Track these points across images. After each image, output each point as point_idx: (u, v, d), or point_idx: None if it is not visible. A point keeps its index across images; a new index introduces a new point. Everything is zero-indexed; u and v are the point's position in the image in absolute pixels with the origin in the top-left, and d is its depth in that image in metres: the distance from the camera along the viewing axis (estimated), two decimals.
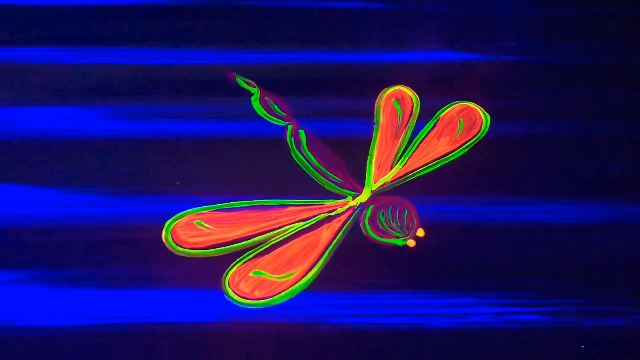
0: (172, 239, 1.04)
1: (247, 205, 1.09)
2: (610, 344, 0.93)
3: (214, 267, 1.01)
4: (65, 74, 1.35)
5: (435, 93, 1.31)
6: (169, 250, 1.03)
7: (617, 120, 1.26)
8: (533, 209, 1.09)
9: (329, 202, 1.10)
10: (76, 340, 0.92)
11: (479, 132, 1.23)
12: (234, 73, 1.35)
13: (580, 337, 0.93)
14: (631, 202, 1.10)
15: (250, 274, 1.00)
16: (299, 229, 1.06)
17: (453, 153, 1.19)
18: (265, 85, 1.32)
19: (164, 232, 1.05)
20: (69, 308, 0.96)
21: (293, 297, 0.97)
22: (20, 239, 1.05)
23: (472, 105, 1.27)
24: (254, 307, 0.96)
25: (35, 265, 1.01)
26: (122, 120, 1.25)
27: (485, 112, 1.26)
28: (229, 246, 1.03)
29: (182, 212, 1.08)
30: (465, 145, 1.20)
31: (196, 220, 1.07)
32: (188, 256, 1.02)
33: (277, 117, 1.26)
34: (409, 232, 1.05)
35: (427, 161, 1.17)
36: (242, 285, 0.98)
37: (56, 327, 0.94)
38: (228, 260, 1.02)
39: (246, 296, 0.97)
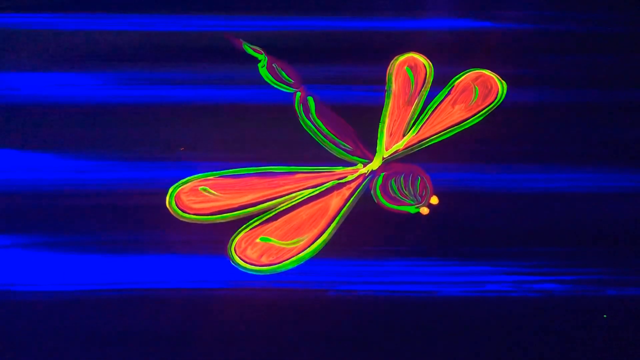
0: (176, 204, 1.01)
1: (253, 172, 1.05)
2: (635, 313, 0.88)
3: (219, 233, 0.97)
4: (68, 41, 1.32)
5: (449, 61, 1.26)
6: (173, 216, 1.00)
7: (635, 88, 1.21)
8: (551, 177, 1.05)
9: (339, 170, 1.07)
10: (78, 305, 0.89)
11: (495, 99, 1.18)
12: (241, 40, 1.31)
13: (602, 306, 0.89)
14: None
15: (257, 240, 0.96)
16: (308, 196, 1.02)
17: (468, 120, 1.15)
18: (277, 52, 1.28)
19: (167, 197, 1.02)
20: (70, 273, 0.93)
21: (302, 264, 0.94)
22: (21, 204, 1.02)
23: (488, 72, 1.23)
24: (261, 273, 0.93)
25: (36, 230, 0.98)
26: (126, 86, 1.21)
27: (502, 80, 1.21)
28: (235, 212, 1.00)
29: (186, 178, 1.05)
30: (481, 112, 1.16)
31: (201, 187, 1.03)
32: (192, 222, 0.99)
33: (285, 84, 1.22)
34: (422, 199, 1.01)
35: (442, 129, 1.13)
36: (249, 252, 0.95)
37: (58, 292, 0.91)
38: (234, 226, 0.98)
39: (253, 262, 0.94)
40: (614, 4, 1.40)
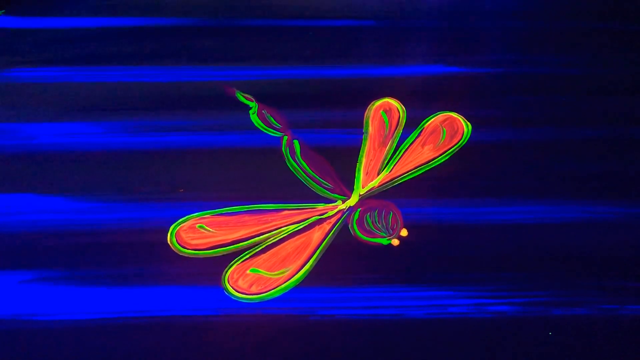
0: (177, 241, 1.14)
1: (245, 209, 1.19)
2: (577, 331, 1.00)
3: (214, 266, 1.10)
4: (78, 92, 1.46)
5: (421, 104, 1.40)
6: (174, 251, 1.12)
7: (588, 125, 1.35)
8: (507, 210, 1.18)
9: (321, 206, 1.20)
10: (90, 333, 1.01)
11: (460, 139, 1.32)
12: (234, 89, 1.45)
13: (549, 325, 1.01)
14: (598, 202, 1.19)
15: (248, 272, 1.09)
16: (293, 231, 1.15)
17: (436, 159, 1.28)
18: (264, 99, 1.43)
19: (168, 235, 1.14)
20: (84, 304, 1.05)
21: (287, 292, 1.06)
22: (39, 243, 1.14)
23: (454, 115, 1.37)
24: (251, 301, 1.05)
25: (53, 266, 1.10)
26: (130, 134, 1.35)
27: (467, 121, 1.35)
28: (229, 247, 1.13)
29: (185, 217, 1.18)
30: (448, 152, 1.29)
31: (198, 224, 1.16)
32: (191, 256, 1.12)
33: (274, 129, 1.36)
34: (394, 232, 1.14)
35: (412, 167, 1.27)
36: (240, 282, 1.07)
37: (72, 320, 1.03)
38: (228, 259, 1.11)
39: (244, 291, 1.06)
40: (571, 48, 1.55)
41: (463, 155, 1.29)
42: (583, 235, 1.13)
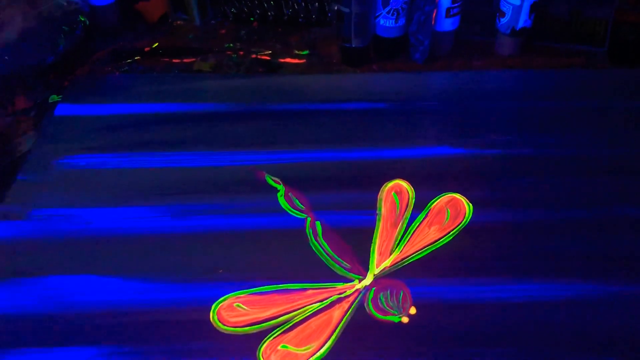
0: (218, 318, 1.32)
1: (274, 289, 1.37)
2: None
3: (250, 342, 1.28)
4: (129, 178, 1.67)
5: (428, 185, 1.58)
6: (215, 329, 1.31)
7: (584, 207, 1.50)
8: (507, 288, 1.33)
9: (340, 285, 1.37)
10: None
11: (463, 220, 1.48)
12: (264, 172, 1.65)
13: None
14: (597, 280, 1.33)
15: (279, 348, 1.27)
16: (316, 310, 1.33)
17: (441, 239, 1.45)
18: (289, 182, 1.62)
19: (211, 313, 1.33)
20: None
21: None
22: (96, 321, 1.32)
23: (457, 196, 1.54)
24: None
25: (108, 343, 1.27)
26: (175, 217, 1.55)
27: (469, 202, 1.52)
28: (261, 324, 1.31)
29: (225, 296, 1.36)
30: (452, 232, 1.46)
31: (236, 303, 1.35)
32: (230, 333, 1.30)
33: (299, 211, 1.55)
34: (404, 310, 1.31)
35: (420, 247, 1.44)
36: (272, 358, 1.25)
37: None
38: (261, 336, 1.29)
39: None
40: (572, 128, 1.71)
41: (466, 236, 1.45)
42: (582, 313, 1.26)
